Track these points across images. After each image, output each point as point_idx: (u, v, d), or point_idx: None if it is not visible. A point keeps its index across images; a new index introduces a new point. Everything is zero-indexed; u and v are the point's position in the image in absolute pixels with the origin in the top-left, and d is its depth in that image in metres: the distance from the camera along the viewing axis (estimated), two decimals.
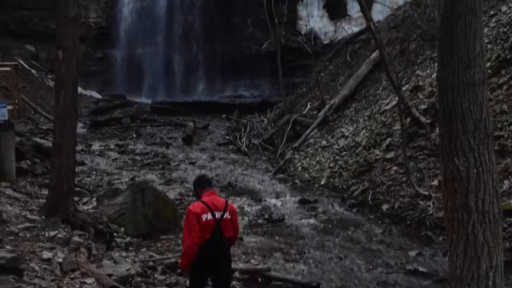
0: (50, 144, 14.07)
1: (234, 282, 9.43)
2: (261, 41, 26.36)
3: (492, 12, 16.91)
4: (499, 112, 13.59)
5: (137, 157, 19.60)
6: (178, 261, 8.01)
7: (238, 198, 15.19)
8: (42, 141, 17.14)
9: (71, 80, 11.30)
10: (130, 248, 11.05)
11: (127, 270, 9.14)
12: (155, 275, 9.57)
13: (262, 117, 23.77)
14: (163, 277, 9.53)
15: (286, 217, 13.83)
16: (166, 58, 31.89)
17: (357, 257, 11.26)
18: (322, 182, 16.32)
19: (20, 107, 14.90)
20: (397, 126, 15.69)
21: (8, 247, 8.63)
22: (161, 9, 32.06)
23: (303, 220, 13.69)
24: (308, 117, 21.00)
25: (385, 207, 13.81)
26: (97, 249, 10.03)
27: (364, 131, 17.16)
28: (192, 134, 23.17)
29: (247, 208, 14.46)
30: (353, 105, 19.88)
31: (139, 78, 31.61)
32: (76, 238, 9.94)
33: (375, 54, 20.60)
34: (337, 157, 16.97)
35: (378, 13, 26.40)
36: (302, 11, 29.64)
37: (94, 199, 13.83)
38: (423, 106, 15.79)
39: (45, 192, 12.24)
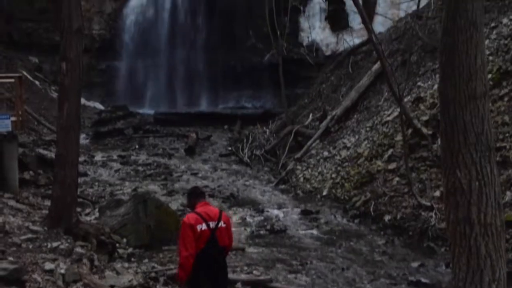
0: (53, 155, 14.10)
1: None
2: (263, 53, 26.46)
3: (493, 24, 16.97)
4: (501, 123, 13.61)
5: (140, 168, 19.63)
6: None
7: (240, 209, 15.21)
8: (45, 152, 17.18)
9: (75, 91, 11.35)
10: (133, 259, 11.05)
11: (129, 281, 9.13)
12: (157, 286, 9.56)
13: (264, 128, 23.81)
14: None
15: (288, 228, 13.83)
16: (168, 70, 31.99)
17: (359, 268, 11.24)
18: (324, 193, 16.33)
19: (24, 119, 14.96)
20: (399, 137, 15.70)
21: (11, 258, 8.62)
22: (164, 20, 32.20)
23: (305, 231, 13.69)
24: (310, 128, 21.04)
25: (387, 218, 13.81)
26: (100, 260, 10.02)
27: (366, 142, 17.18)
28: (194, 145, 23.21)
29: (249, 219, 14.46)
30: (355, 116, 19.92)
31: (142, 89, 31.72)
32: (78, 249, 9.93)
33: (376, 66, 20.66)
34: (339, 168, 16.99)
35: (380, 24, 26.53)
36: (304, 23, 29.78)
37: (97, 210, 13.84)
38: (424, 117, 15.82)
39: (48, 203, 12.25)
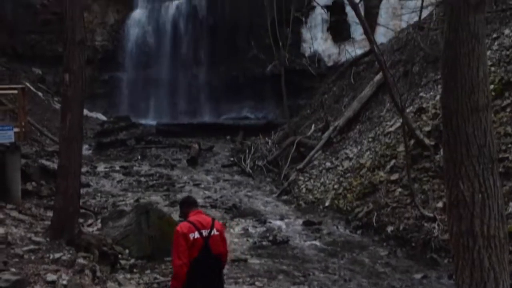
0: (55, 166, 14.11)
1: None
2: (265, 63, 26.55)
3: (494, 35, 17.00)
4: (503, 134, 13.61)
5: (142, 179, 19.65)
6: None
7: (243, 220, 15.19)
8: (47, 163, 17.21)
9: (77, 102, 11.38)
10: (135, 270, 11.05)
11: None
12: None
13: (267, 138, 23.83)
14: None
15: (291, 239, 13.81)
16: (171, 80, 32.08)
17: (362, 280, 11.21)
18: (327, 204, 16.31)
19: (27, 130, 14.99)
20: (401, 148, 15.70)
21: (13, 269, 8.63)
22: (166, 31, 32.33)
23: (307, 242, 13.66)
24: (313, 139, 21.05)
25: (390, 229, 13.78)
26: (102, 271, 10.01)
27: (368, 152, 17.18)
28: (196, 156, 23.23)
29: (251, 230, 14.44)
30: (357, 127, 19.92)
31: (145, 100, 31.81)
32: (80, 260, 9.92)
33: (378, 76, 20.69)
34: (341, 179, 16.98)
35: (382, 35, 26.61)
36: (306, 34, 29.87)
37: (99, 220, 13.84)
38: (427, 128, 15.82)
39: (50, 214, 12.26)
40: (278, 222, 15.06)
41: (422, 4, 14.49)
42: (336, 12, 29.67)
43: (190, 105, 31.90)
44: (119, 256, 11.34)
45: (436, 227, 12.75)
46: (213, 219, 7.00)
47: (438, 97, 16.35)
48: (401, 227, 13.55)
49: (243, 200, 17.21)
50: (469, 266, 5.18)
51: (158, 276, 10.64)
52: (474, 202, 5.15)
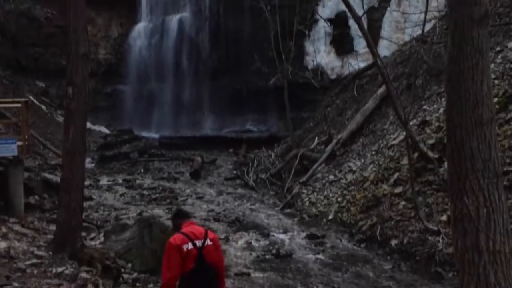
0: (58, 179, 14.12)
1: None
2: (268, 76, 26.59)
3: (498, 48, 17.01)
4: (507, 147, 13.57)
5: (145, 192, 19.62)
6: None
7: (246, 233, 15.12)
8: (50, 176, 17.19)
9: (80, 115, 11.41)
10: (138, 284, 10.99)
11: None
12: None
13: (270, 151, 23.80)
14: None
15: (294, 252, 13.73)
16: (174, 93, 32.15)
17: None
18: (330, 217, 16.24)
19: (30, 143, 15.01)
20: (404, 161, 15.66)
21: (16, 284, 8.61)
22: (169, 44, 32.45)
23: (311, 256, 13.58)
24: (316, 152, 21.02)
25: (393, 242, 13.70)
26: (104, 285, 9.98)
27: (371, 165, 17.14)
28: (199, 169, 23.21)
29: (254, 243, 14.37)
30: (361, 139, 19.90)
31: (148, 113, 31.86)
32: (83, 274, 9.90)
33: (382, 89, 20.69)
34: (345, 192, 16.92)
35: (385, 48, 26.66)
36: (309, 47, 29.96)
37: (102, 234, 13.79)
38: (430, 141, 15.78)
39: (53, 227, 12.24)
40: (282, 236, 14.99)
41: (425, 17, 14.51)
42: (339, 25, 29.77)
43: (193, 118, 31.95)
44: (122, 270, 11.30)
45: (441, 240, 12.68)
46: (206, 230, 6.99)
47: (441, 110, 16.33)
48: (405, 241, 13.48)
49: (246, 213, 17.16)
50: (474, 281, 5.13)
51: None
52: (479, 217, 5.12)
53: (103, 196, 18.95)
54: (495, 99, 14.20)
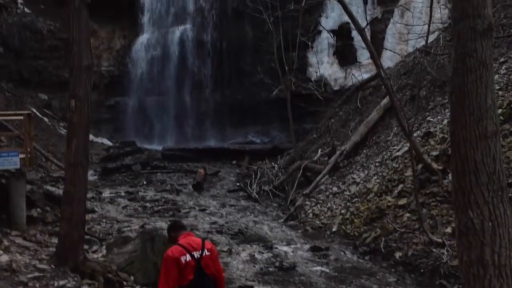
0: (61, 192, 14.07)
1: None
2: (271, 88, 26.56)
3: (502, 59, 16.99)
4: None
5: (147, 204, 19.56)
6: None
7: (249, 246, 15.04)
8: (53, 189, 17.15)
9: (83, 128, 11.38)
10: None
11: None
12: None
13: (273, 163, 23.77)
14: None
15: (298, 264, 13.65)
16: (176, 105, 32.19)
17: None
18: (334, 229, 16.16)
19: (32, 155, 14.99)
20: (408, 173, 15.59)
21: None
22: (172, 56, 32.53)
23: (314, 268, 13.49)
24: (319, 163, 20.96)
25: (398, 254, 13.62)
26: None
27: (375, 177, 17.07)
28: (202, 181, 23.16)
29: (257, 256, 14.29)
30: (364, 151, 19.84)
31: (150, 125, 31.92)
32: None
33: (385, 100, 20.66)
34: (348, 204, 16.85)
35: (388, 59, 26.66)
36: (312, 58, 29.99)
37: (104, 247, 13.73)
38: (434, 153, 15.73)
39: (55, 240, 12.18)
40: (285, 248, 14.91)
41: (429, 29, 14.48)
42: (342, 36, 29.82)
43: (195, 130, 31.97)
44: (124, 283, 11.24)
45: (445, 252, 12.59)
46: (203, 240, 6.96)
47: (445, 121, 16.29)
48: (409, 253, 13.39)
49: (249, 226, 17.08)
50: None
51: None
52: (484, 230, 5.07)
53: (106, 208, 18.90)
54: (499, 110, 14.15)
